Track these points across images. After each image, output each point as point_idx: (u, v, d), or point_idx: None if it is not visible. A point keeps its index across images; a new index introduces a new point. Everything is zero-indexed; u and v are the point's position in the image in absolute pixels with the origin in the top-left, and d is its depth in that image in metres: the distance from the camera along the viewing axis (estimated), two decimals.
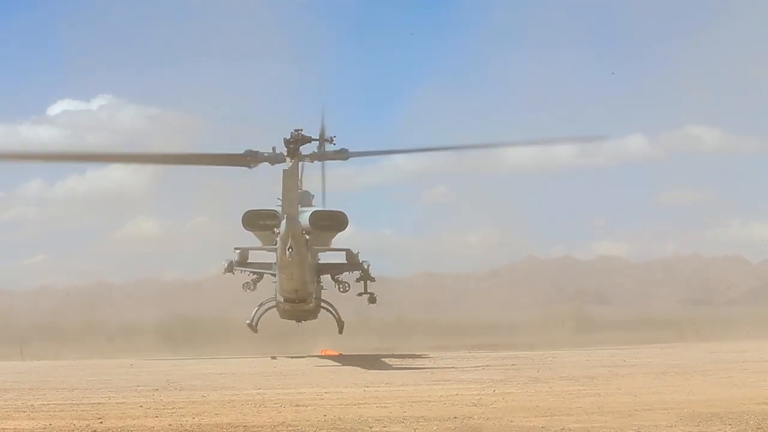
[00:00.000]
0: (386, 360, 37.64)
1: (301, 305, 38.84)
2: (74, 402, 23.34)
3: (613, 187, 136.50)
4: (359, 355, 42.11)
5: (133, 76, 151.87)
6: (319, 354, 43.87)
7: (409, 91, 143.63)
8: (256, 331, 40.53)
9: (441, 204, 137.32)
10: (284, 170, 31.50)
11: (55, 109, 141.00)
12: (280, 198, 36.66)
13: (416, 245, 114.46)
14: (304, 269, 34.80)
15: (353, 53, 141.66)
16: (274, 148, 33.14)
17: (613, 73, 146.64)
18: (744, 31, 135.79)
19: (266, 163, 33.45)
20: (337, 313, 41.16)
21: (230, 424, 18.85)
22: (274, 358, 41.80)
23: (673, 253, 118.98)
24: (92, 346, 56.24)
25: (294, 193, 32.08)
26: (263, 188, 37.58)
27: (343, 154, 35.26)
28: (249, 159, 33.12)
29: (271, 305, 40.45)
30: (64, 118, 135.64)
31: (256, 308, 40.30)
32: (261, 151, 33.26)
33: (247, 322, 40.15)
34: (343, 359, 39.75)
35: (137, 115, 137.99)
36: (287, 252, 32.57)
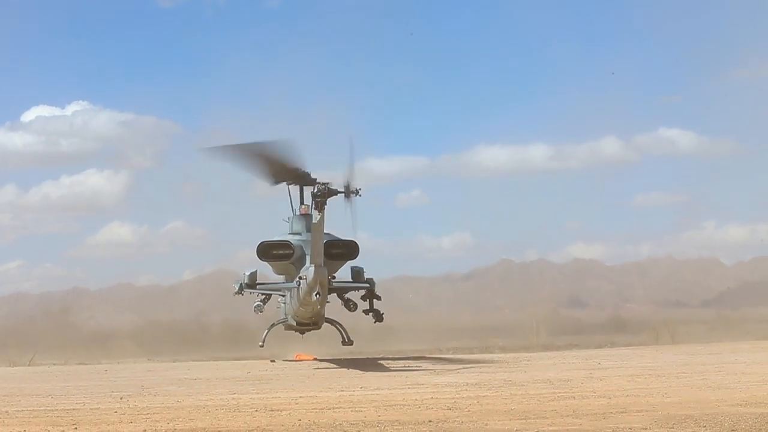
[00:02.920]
0: (361, 364, 37.64)
1: (312, 327, 41.62)
2: (48, 408, 23.25)
3: (588, 190, 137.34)
4: (334, 359, 42.10)
5: (107, 82, 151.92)
6: (294, 359, 43.85)
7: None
8: (263, 347, 42.17)
9: (416, 208, 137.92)
10: (313, 223, 33.48)
11: (30, 115, 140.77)
12: (287, 219, 39.33)
13: (391, 249, 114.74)
14: (323, 303, 36.48)
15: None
16: None
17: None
18: (718, 34, 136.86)
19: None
20: (345, 332, 41.96)
21: (205, 429, 18.81)
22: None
23: (647, 255, 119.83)
24: (67, 352, 56.06)
25: (321, 243, 33.66)
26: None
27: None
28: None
29: (280, 323, 42.25)
30: (38, 123, 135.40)
31: (266, 330, 41.99)
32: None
33: (260, 344, 41.85)
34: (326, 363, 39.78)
35: (111, 121, 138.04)
36: (314, 297, 34.48)
